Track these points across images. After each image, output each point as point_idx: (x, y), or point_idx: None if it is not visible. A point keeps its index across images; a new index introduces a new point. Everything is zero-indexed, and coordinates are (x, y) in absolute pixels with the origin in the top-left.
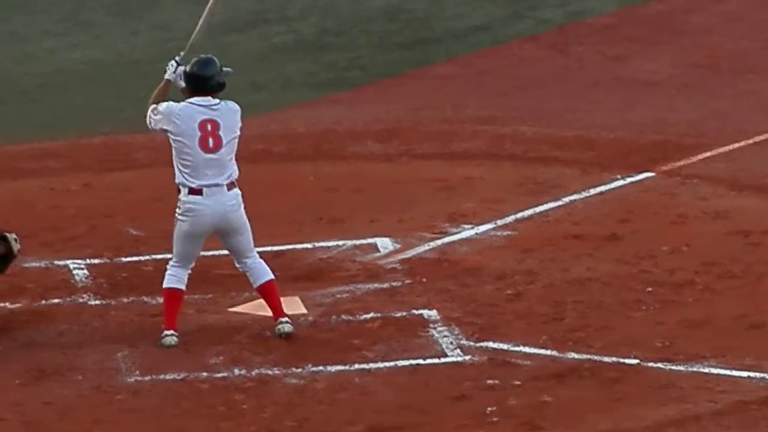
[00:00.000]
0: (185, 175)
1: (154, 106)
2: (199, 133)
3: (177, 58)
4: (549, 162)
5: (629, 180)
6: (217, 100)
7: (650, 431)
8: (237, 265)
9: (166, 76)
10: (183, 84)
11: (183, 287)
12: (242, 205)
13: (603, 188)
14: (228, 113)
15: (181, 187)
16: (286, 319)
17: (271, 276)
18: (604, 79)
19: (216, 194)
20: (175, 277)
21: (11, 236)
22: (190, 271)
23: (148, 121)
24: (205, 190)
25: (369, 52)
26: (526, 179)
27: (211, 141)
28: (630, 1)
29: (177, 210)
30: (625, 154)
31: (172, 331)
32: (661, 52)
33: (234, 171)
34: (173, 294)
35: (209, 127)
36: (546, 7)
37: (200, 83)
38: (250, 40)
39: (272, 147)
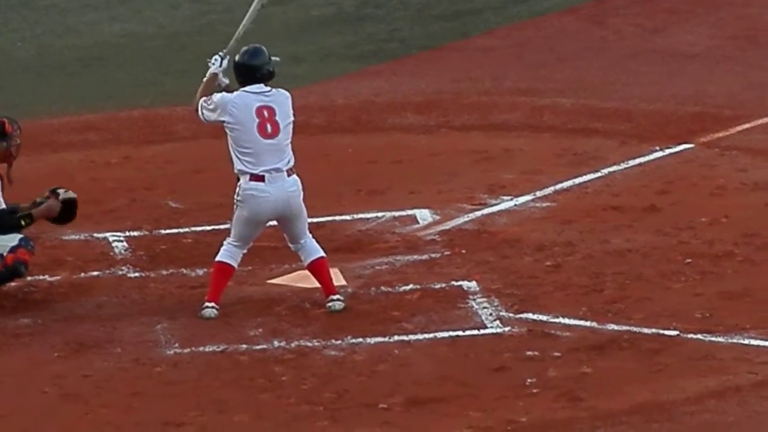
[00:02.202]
0: (245, 163)
1: (205, 98)
2: (257, 120)
3: (221, 53)
4: (588, 133)
5: (668, 151)
6: (268, 88)
7: (690, 403)
8: (290, 246)
9: (212, 71)
10: (226, 81)
11: (235, 264)
12: (302, 192)
13: (642, 160)
14: (281, 99)
15: (240, 175)
16: (337, 296)
17: (322, 253)
18: (642, 51)
19: (278, 180)
20: (228, 253)
21: (60, 190)
22: (245, 251)
23: (200, 115)
24: (267, 176)
25: (408, 24)
26: (565, 151)
27: (269, 127)
28: None
29: (237, 197)
30: (664, 125)
31: (213, 304)
32: (699, 23)
33: (291, 157)
34: (223, 268)
35: (266, 113)
36: None
37: (250, 73)
38: (289, 12)
39: (312, 119)
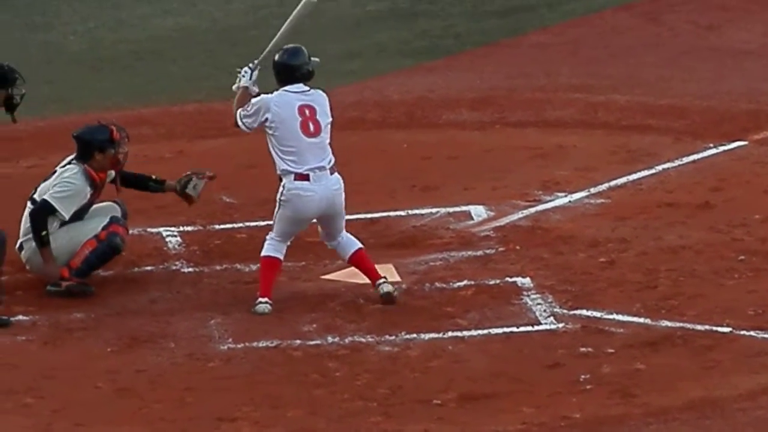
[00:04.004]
0: (289, 163)
1: (240, 109)
2: (299, 118)
3: (250, 65)
4: (642, 130)
5: (722, 149)
6: (307, 87)
7: (743, 399)
8: (327, 243)
9: (242, 84)
10: (256, 89)
11: (281, 257)
12: (342, 193)
13: (696, 156)
14: (320, 99)
15: (284, 176)
16: (383, 279)
17: (360, 245)
18: (696, 48)
19: (322, 179)
20: (272, 247)
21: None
22: (289, 244)
23: (241, 126)
24: (311, 175)
25: (463, 20)
26: (619, 147)
27: (311, 125)
28: None
29: (280, 197)
30: (718, 122)
31: (266, 299)
32: (754, 21)
33: (332, 157)
34: (271, 262)
35: (307, 111)
36: None
37: (290, 72)
38: (344, 7)
39: (366, 114)
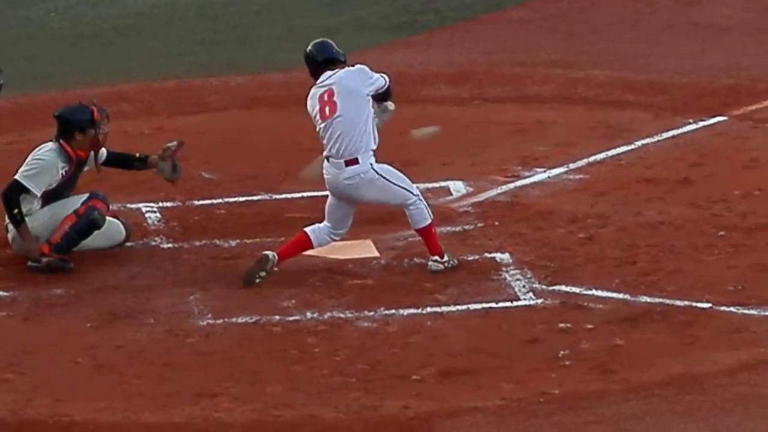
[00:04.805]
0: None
1: None
2: (317, 106)
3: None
4: (621, 106)
5: (701, 124)
6: (333, 72)
7: (723, 375)
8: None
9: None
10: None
11: (313, 240)
12: (368, 186)
13: (675, 132)
14: (342, 76)
15: None
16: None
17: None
18: (676, 24)
19: (335, 167)
20: (313, 227)
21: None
22: (337, 234)
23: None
24: (330, 158)
25: None
26: (598, 123)
27: (327, 109)
28: None
29: None
30: (698, 98)
31: (275, 254)
32: None
33: (357, 145)
34: (301, 238)
35: (325, 96)
36: None
37: (311, 66)
38: None
39: None
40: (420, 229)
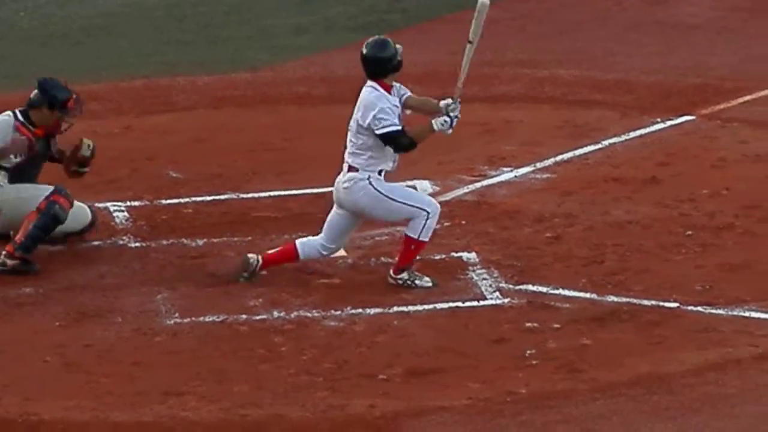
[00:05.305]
0: None
1: None
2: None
3: (451, 106)
4: (589, 105)
5: (669, 123)
6: (369, 82)
7: (690, 375)
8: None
9: (439, 130)
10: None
11: (300, 249)
12: (359, 193)
13: (643, 131)
14: (362, 95)
15: None
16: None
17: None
18: (644, 23)
19: (343, 171)
20: (305, 240)
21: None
22: (324, 253)
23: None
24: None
25: None
26: (565, 122)
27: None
28: None
29: None
30: (665, 97)
31: (258, 258)
32: None
33: (356, 158)
34: (289, 249)
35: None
36: None
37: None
38: None
39: (313, 90)
40: (408, 237)
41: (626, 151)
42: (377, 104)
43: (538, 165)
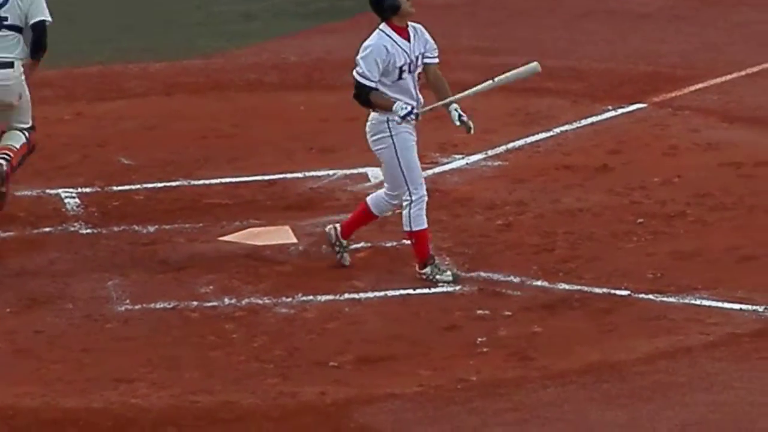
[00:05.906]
0: None
1: None
2: None
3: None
4: (540, 93)
5: (620, 111)
6: (381, 25)
7: (641, 363)
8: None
9: (396, 112)
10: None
11: (372, 205)
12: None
13: (594, 119)
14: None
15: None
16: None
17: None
18: (595, 11)
19: None
20: (372, 195)
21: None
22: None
23: None
24: None
25: None
26: (517, 110)
27: None
28: None
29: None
30: (617, 85)
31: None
32: None
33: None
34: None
35: None
36: None
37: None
38: None
39: (264, 76)
40: (406, 234)
41: (577, 139)
42: (366, 49)
43: (490, 152)
